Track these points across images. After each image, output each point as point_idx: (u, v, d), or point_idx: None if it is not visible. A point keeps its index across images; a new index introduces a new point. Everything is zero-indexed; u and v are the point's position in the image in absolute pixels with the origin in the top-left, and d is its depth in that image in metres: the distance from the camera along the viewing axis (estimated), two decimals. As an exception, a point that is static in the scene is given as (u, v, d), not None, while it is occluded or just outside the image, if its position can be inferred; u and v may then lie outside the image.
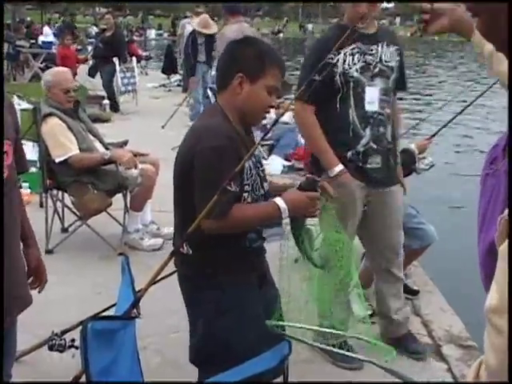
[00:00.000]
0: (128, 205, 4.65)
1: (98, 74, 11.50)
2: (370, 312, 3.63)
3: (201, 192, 2.00)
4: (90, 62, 12.24)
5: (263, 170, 2.24)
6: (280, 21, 70.32)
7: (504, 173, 1.19)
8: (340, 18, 3.20)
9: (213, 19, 10.41)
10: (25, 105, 6.41)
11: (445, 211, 5.41)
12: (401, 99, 3.24)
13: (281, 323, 2.04)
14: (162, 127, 9.19)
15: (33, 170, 5.58)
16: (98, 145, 4.69)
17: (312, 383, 2.96)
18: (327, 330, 2.14)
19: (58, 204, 4.81)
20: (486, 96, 3.92)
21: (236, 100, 2.10)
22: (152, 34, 43.89)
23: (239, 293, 2.11)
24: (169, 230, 4.48)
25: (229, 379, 1.98)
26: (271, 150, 7.58)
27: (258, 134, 4.41)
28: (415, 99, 14.59)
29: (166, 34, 42.00)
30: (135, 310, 2.04)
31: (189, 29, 10.90)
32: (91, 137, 4.67)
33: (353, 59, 2.95)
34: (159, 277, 2.25)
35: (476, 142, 10.00)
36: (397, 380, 2.83)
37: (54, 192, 4.69)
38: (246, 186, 2.09)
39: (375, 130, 2.98)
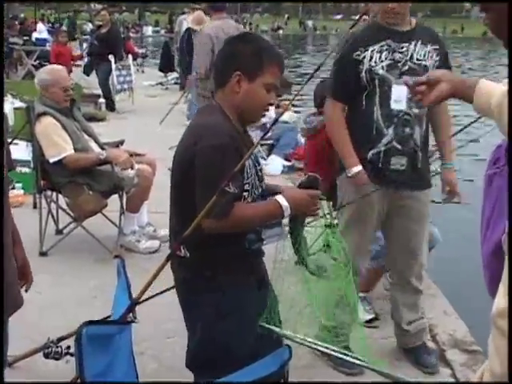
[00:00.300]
0: (124, 206, 4.64)
1: (94, 72, 11.50)
2: (371, 316, 3.65)
3: (202, 191, 1.99)
4: (85, 60, 12.25)
5: (261, 170, 2.24)
6: (279, 17, 70.33)
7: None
8: (373, 15, 3.16)
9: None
10: (18, 103, 6.42)
11: (449, 211, 5.42)
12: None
13: (278, 330, 2.04)
14: (160, 123, 9.21)
15: (26, 170, 5.61)
16: (93, 145, 4.69)
17: (312, 383, 2.96)
18: (323, 345, 2.12)
19: (53, 205, 4.80)
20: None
21: (234, 98, 2.10)
22: (149, 30, 43.97)
23: (239, 295, 2.11)
24: (166, 231, 4.44)
25: (228, 385, 1.98)
26: (271, 149, 7.59)
27: (257, 134, 4.43)
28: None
29: (163, 31, 42.06)
30: (131, 315, 2.04)
31: (186, 25, 10.91)
32: (86, 136, 4.67)
33: (380, 56, 2.92)
34: (158, 291, 2.25)
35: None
36: (399, 380, 2.88)
37: (48, 193, 4.69)
38: (246, 185, 2.09)
39: (399, 130, 2.93)
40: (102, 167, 4.46)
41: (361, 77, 2.93)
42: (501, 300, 0.87)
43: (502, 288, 0.88)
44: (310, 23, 70.95)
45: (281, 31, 63.93)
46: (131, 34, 25.24)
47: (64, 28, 21.11)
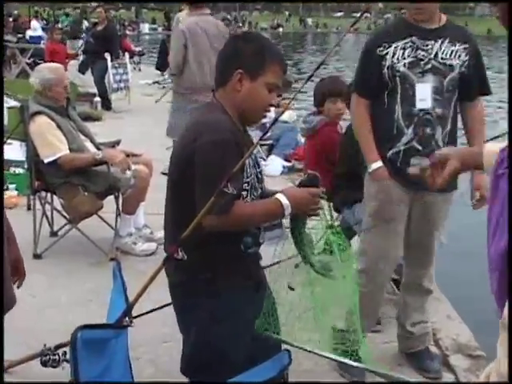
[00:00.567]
0: (120, 207, 4.64)
1: (89, 70, 11.50)
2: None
3: (202, 188, 1.99)
4: (81, 58, 12.25)
5: (261, 172, 2.24)
6: (279, 15, 70.32)
7: None
8: (399, 12, 3.20)
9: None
10: (12, 102, 6.41)
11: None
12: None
13: (276, 337, 2.04)
14: (156, 102, 9.16)
15: (20, 170, 5.61)
16: (88, 144, 4.69)
17: (312, 383, 2.97)
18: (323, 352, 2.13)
19: (47, 207, 4.80)
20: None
21: (235, 97, 2.11)
22: (146, 28, 43.99)
23: (236, 298, 2.11)
24: (163, 233, 4.44)
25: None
26: (270, 150, 7.59)
27: (257, 134, 4.43)
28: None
29: (160, 29, 42.06)
30: (127, 319, 2.03)
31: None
32: (82, 136, 4.67)
33: (403, 53, 2.90)
34: (154, 294, 2.24)
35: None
36: (397, 381, 2.88)
37: (43, 194, 4.69)
38: (245, 185, 2.10)
39: (419, 130, 2.91)
40: (97, 168, 4.45)
41: (383, 73, 2.92)
42: None
43: None
44: (310, 21, 71.00)
45: (281, 29, 63.97)
46: (128, 32, 25.31)
47: (59, 25, 21.13)
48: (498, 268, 1.19)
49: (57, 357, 2.37)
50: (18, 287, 2.21)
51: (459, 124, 3.10)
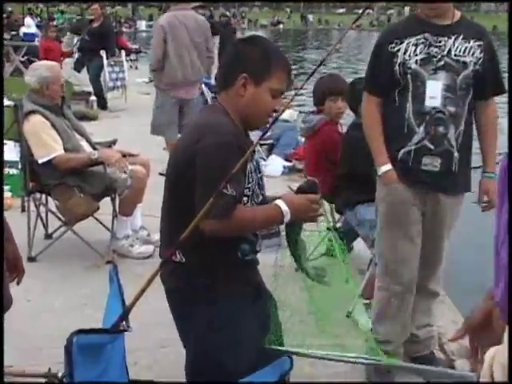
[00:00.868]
0: (117, 209, 4.64)
1: (85, 68, 11.50)
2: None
3: (203, 190, 2.00)
4: (76, 56, 12.25)
5: (262, 178, 2.26)
6: (279, 11, 70.30)
7: None
8: (411, 8, 3.20)
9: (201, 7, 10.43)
10: (5, 101, 6.41)
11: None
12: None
13: (286, 349, 2.05)
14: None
15: (14, 171, 5.60)
16: (84, 144, 4.69)
17: (313, 383, 2.97)
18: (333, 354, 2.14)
19: (42, 208, 4.79)
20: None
21: (239, 101, 2.13)
22: (142, 25, 44.02)
23: (234, 306, 2.13)
24: (160, 236, 4.47)
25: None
26: (271, 149, 7.59)
27: (256, 133, 4.43)
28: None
29: (157, 26, 41.99)
30: (124, 323, 2.03)
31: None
32: (77, 136, 4.67)
33: (415, 50, 2.90)
34: (151, 298, 2.24)
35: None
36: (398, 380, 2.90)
37: (37, 195, 4.68)
38: (247, 190, 2.11)
39: (431, 129, 2.89)
40: (93, 168, 4.45)
41: (394, 70, 2.92)
42: None
43: None
44: (311, 17, 71.04)
45: (281, 26, 64.00)
46: (124, 29, 25.33)
47: (54, 23, 21.14)
48: (507, 270, 1.20)
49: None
50: (18, 283, 2.26)
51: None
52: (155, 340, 3.37)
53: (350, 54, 29.13)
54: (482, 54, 2.92)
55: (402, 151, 2.94)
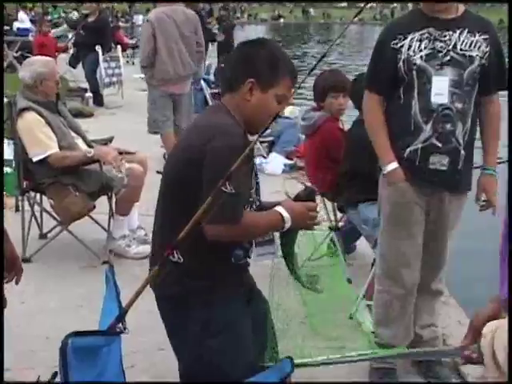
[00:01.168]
0: (113, 208, 4.64)
1: (80, 64, 11.50)
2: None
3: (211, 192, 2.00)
4: (71, 51, 12.24)
5: (258, 183, 2.29)
6: (280, 6, 70.15)
7: None
8: (414, 4, 3.17)
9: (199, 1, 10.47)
10: (-1, 98, 6.40)
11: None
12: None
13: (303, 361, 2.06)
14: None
15: (8, 170, 5.59)
16: (79, 142, 4.68)
17: (315, 383, 2.98)
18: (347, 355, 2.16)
19: (36, 208, 4.80)
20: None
21: (244, 105, 2.15)
22: (139, 19, 43.84)
23: (231, 308, 2.16)
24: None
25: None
26: (271, 147, 7.58)
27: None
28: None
29: (154, 20, 41.95)
30: (120, 325, 2.03)
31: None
32: (72, 133, 4.66)
33: (419, 45, 2.88)
34: (148, 300, 2.25)
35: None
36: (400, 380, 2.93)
37: (32, 194, 4.68)
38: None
39: (439, 127, 2.87)
40: (89, 166, 4.45)
41: (398, 67, 2.90)
42: None
43: None
44: (312, 11, 71.02)
45: (282, 20, 63.98)
46: (121, 24, 25.30)
47: (49, 18, 21.15)
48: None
49: None
50: (17, 283, 2.32)
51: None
52: (152, 342, 3.37)
53: (351, 50, 29.13)
54: (488, 48, 2.91)
55: (409, 150, 2.93)
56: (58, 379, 2.20)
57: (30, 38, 14.59)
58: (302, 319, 3.39)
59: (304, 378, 2.86)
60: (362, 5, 2.83)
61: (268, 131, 6.49)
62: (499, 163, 3.21)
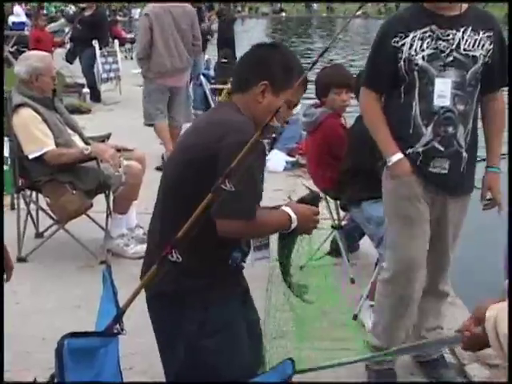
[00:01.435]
0: (111, 207, 4.64)
1: (77, 59, 11.49)
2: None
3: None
4: (68, 46, 12.24)
5: None
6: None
7: None
8: None
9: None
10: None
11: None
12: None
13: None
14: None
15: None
16: (76, 139, 4.68)
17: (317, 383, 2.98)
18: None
19: (32, 206, 4.80)
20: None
21: (255, 107, 2.18)
22: (137, 13, 43.85)
23: (227, 309, 2.17)
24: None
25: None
26: (273, 143, 7.58)
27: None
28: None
29: (153, 14, 41.95)
30: (118, 326, 2.03)
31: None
32: (69, 130, 4.66)
33: (421, 44, 2.83)
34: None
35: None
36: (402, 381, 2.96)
37: (27, 192, 4.69)
38: None
39: (440, 130, 2.85)
40: (86, 164, 4.46)
41: (399, 66, 2.87)
42: None
43: None
44: (315, 5, 70.93)
45: (283, 14, 63.92)
46: (118, 18, 25.28)
47: (45, 11, 21.13)
48: None
49: None
50: (7, 280, 2.29)
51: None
52: (151, 343, 3.35)
53: (355, 44, 29.09)
54: (491, 46, 2.88)
55: (408, 151, 2.91)
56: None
57: (26, 32, 14.59)
58: (304, 320, 3.40)
59: (306, 378, 2.87)
60: None
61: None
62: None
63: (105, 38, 11.49)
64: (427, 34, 2.85)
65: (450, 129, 2.86)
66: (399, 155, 2.91)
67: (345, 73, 4.42)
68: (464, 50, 2.85)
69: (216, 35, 14.64)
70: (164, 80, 6.80)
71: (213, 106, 9.25)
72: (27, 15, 20.14)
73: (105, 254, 4.54)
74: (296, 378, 2.26)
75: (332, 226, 4.47)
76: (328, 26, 47.17)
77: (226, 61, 11.43)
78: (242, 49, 18.47)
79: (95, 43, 10.91)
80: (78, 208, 4.44)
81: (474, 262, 5.00)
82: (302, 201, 2.29)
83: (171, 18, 6.69)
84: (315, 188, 3.88)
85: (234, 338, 2.17)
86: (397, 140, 2.93)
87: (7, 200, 5.30)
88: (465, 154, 2.92)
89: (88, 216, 4.62)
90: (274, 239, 2.31)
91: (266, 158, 2.25)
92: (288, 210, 2.17)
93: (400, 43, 2.87)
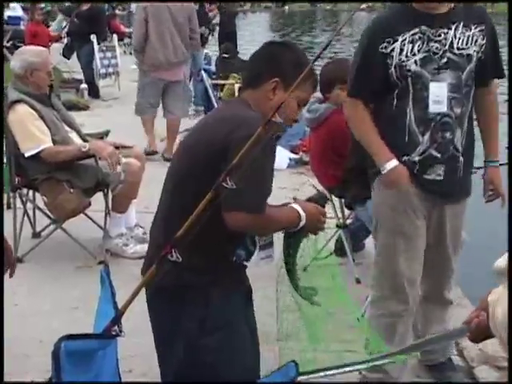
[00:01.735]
0: (109, 205, 4.64)
1: (74, 54, 11.49)
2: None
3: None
4: (65, 41, 12.24)
5: None
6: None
7: None
8: None
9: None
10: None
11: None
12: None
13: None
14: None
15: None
16: (74, 136, 4.68)
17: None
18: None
19: (29, 205, 4.80)
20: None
21: (265, 103, 2.21)
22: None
23: (229, 305, 2.19)
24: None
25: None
26: (276, 140, 7.57)
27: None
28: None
29: (152, 8, 41.94)
30: (116, 327, 2.03)
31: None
32: (66, 127, 4.67)
33: (412, 48, 2.73)
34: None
35: None
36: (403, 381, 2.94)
37: (24, 191, 4.69)
38: None
39: (438, 136, 2.79)
40: (84, 161, 4.45)
41: (389, 73, 2.77)
42: None
43: None
44: (319, -2, 70.84)
45: (286, 7, 63.87)
46: (117, 11, 25.20)
47: (42, 5, 21.08)
48: None
49: None
50: (11, 276, 2.35)
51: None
52: (150, 345, 3.36)
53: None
54: (484, 40, 2.82)
55: (404, 159, 2.84)
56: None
57: (22, 26, 14.58)
58: (310, 321, 3.40)
59: (310, 379, 2.88)
60: None
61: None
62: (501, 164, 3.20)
63: (103, 33, 11.51)
64: (417, 36, 2.75)
65: (448, 134, 2.81)
66: (395, 161, 2.81)
67: (349, 68, 4.41)
68: (458, 48, 2.78)
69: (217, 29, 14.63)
70: (159, 73, 6.95)
71: (214, 101, 9.26)
72: (23, 9, 20.12)
73: (103, 254, 4.54)
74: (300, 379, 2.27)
75: (337, 225, 4.46)
76: (332, 20, 47.13)
77: (227, 55, 11.43)
78: (244, 43, 18.46)
79: (93, 38, 10.90)
80: (75, 207, 4.44)
81: (482, 261, 4.99)
82: (309, 201, 2.32)
83: (168, 11, 6.82)
84: (320, 186, 3.88)
85: (235, 336, 2.18)
86: (390, 149, 2.84)
87: (3, 199, 5.31)
88: (461, 158, 2.87)
89: (86, 215, 4.62)
90: (278, 238, 2.32)
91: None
92: (297, 207, 2.21)
93: (389, 49, 2.76)
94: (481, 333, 1.62)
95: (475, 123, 3.02)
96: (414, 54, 2.75)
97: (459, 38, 2.78)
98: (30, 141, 4.36)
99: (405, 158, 2.84)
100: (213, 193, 1.95)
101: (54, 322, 3.64)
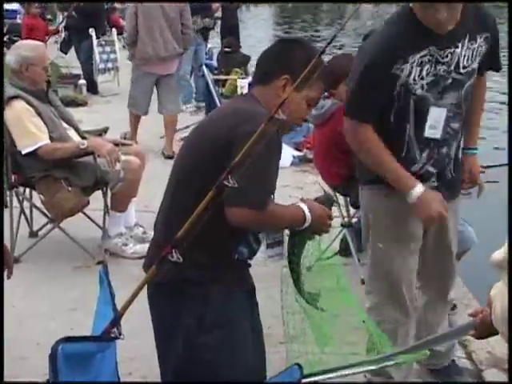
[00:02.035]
0: (109, 204, 4.65)
1: (72, 49, 11.49)
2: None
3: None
4: (62, 35, 12.24)
5: None
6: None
7: None
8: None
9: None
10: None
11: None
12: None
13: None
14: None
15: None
16: (72, 133, 4.69)
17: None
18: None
19: (26, 204, 4.81)
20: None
21: (275, 101, 2.19)
22: (136, 0, 43.91)
23: (231, 302, 2.21)
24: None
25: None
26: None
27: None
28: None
29: (152, 1, 41.97)
30: (115, 330, 2.03)
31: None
32: (64, 124, 4.67)
33: (420, 71, 2.67)
34: (146, 302, 2.27)
35: None
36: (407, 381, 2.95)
37: (21, 189, 4.70)
38: None
39: (434, 153, 2.80)
40: (82, 159, 4.46)
41: (394, 94, 2.71)
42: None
43: None
44: (323, -9, 70.80)
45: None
46: (116, 5, 25.16)
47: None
48: None
49: None
50: (8, 277, 2.39)
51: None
52: (150, 346, 3.37)
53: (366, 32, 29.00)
54: (487, 46, 2.79)
55: None
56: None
57: (18, 20, 14.59)
58: (315, 323, 3.40)
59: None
60: None
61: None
62: (500, 165, 3.22)
63: (102, 27, 11.50)
64: (426, 59, 2.68)
65: (444, 149, 2.83)
66: (421, 186, 2.73)
67: (355, 63, 4.40)
68: (463, 67, 2.74)
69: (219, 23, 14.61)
70: (150, 67, 7.15)
71: (215, 97, 9.25)
72: (20, 2, 20.14)
73: (102, 254, 4.54)
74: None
75: (341, 224, 4.46)
76: (337, 13, 47.06)
77: (229, 50, 11.43)
78: (246, 38, 18.42)
79: (92, 32, 10.90)
80: (74, 205, 4.44)
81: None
82: (316, 201, 2.34)
83: (159, 5, 6.95)
84: (324, 185, 3.88)
85: (236, 334, 2.20)
86: None
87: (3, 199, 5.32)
88: (452, 162, 2.89)
89: (85, 214, 4.63)
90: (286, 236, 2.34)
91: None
92: (303, 206, 2.22)
93: (399, 70, 2.67)
94: (485, 329, 1.66)
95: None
96: (422, 78, 2.69)
97: (465, 56, 2.74)
98: (27, 138, 4.36)
99: None
100: (215, 191, 1.96)
101: (52, 323, 3.65)
